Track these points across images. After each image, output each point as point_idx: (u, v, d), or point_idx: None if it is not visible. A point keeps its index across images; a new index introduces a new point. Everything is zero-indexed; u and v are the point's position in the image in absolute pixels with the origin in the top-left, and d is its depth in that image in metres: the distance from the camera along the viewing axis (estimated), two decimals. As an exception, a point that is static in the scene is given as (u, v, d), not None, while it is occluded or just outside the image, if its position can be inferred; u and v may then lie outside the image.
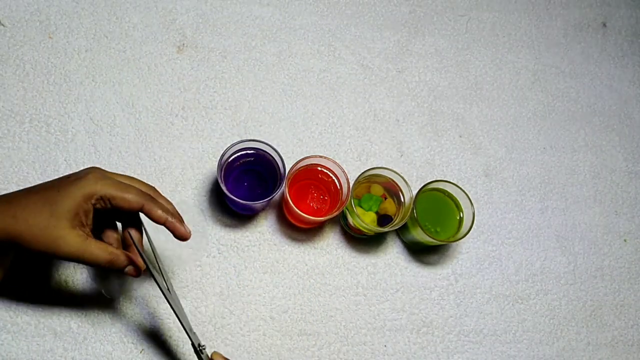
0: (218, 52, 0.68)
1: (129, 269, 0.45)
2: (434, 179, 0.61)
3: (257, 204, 0.55)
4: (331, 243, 0.63)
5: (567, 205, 0.71)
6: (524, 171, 0.71)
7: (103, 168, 0.46)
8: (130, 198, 0.43)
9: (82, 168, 0.58)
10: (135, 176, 0.59)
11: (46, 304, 0.54)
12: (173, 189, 0.61)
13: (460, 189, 0.60)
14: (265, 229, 0.62)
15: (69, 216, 0.41)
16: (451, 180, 0.61)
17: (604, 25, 0.82)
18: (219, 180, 0.54)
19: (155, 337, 0.55)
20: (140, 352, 0.55)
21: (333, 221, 0.64)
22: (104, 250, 0.43)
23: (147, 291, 0.56)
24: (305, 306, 0.60)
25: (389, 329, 0.61)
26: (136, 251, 0.46)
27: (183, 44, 0.67)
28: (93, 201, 0.42)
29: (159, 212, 0.44)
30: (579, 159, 0.74)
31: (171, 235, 0.46)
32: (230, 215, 0.61)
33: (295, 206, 0.54)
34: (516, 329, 0.64)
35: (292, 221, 0.62)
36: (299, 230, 0.62)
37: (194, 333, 0.48)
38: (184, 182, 0.61)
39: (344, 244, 0.63)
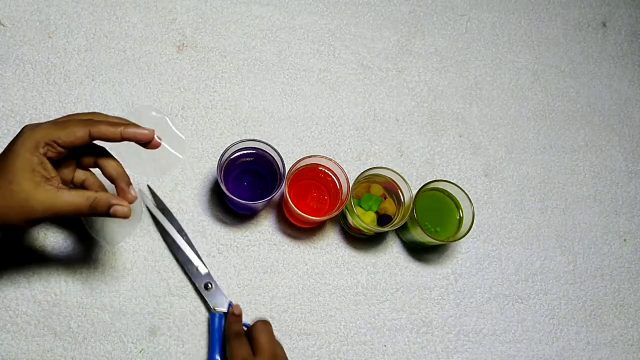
0: (218, 52, 0.68)
1: (115, 209, 0.42)
2: (434, 179, 0.61)
3: (257, 204, 0.55)
4: (331, 243, 0.63)
5: (567, 205, 0.71)
6: (524, 171, 0.71)
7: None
8: (72, 130, 0.40)
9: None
10: (135, 176, 0.60)
11: (46, 303, 0.54)
12: (173, 189, 0.61)
13: (460, 189, 0.60)
14: (265, 228, 0.62)
15: (27, 175, 0.39)
16: (451, 180, 0.61)
17: (604, 25, 0.82)
18: (219, 180, 0.54)
19: (155, 336, 0.55)
20: (140, 352, 0.55)
21: (333, 221, 0.64)
22: (81, 196, 0.41)
23: (147, 290, 0.56)
24: (305, 306, 0.60)
25: (389, 329, 0.61)
26: (123, 189, 0.44)
27: (183, 44, 0.67)
28: (41, 151, 0.40)
29: (110, 129, 0.41)
30: (579, 159, 0.74)
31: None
32: (230, 215, 0.61)
33: (295, 206, 0.54)
34: (516, 329, 0.64)
35: (292, 221, 0.62)
36: (299, 230, 0.62)
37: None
38: (184, 182, 0.61)
39: (344, 244, 0.63)
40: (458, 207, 0.62)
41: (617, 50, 0.81)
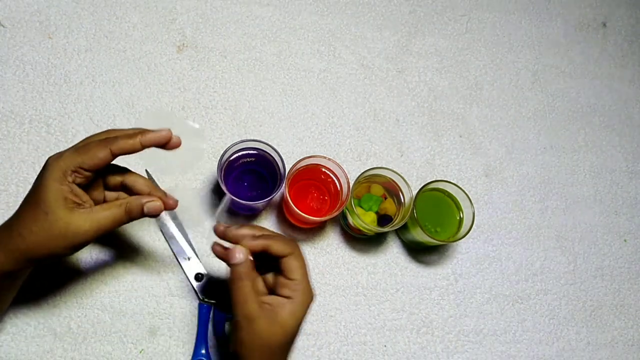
0: (218, 52, 0.68)
1: (147, 206, 0.43)
2: (434, 179, 0.61)
3: (257, 204, 0.55)
4: (331, 243, 0.63)
5: (567, 205, 0.71)
6: (524, 171, 0.71)
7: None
8: (94, 153, 0.41)
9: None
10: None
11: (45, 304, 0.54)
12: (173, 189, 0.60)
13: (460, 189, 0.60)
14: (265, 229, 0.62)
15: (60, 204, 0.41)
16: (451, 180, 0.61)
17: (604, 25, 0.82)
18: (219, 180, 0.54)
19: (155, 336, 0.55)
20: (140, 352, 0.55)
21: (333, 221, 0.64)
22: (114, 205, 0.42)
23: (147, 290, 0.56)
24: (305, 306, 0.60)
25: (389, 329, 0.61)
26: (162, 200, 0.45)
27: (183, 44, 0.67)
28: (69, 179, 0.41)
29: (129, 142, 0.42)
30: (579, 158, 0.74)
31: None
32: (230, 215, 0.61)
33: (295, 206, 0.54)
34: (516, 329, 0.64)
35: (292, 221, 0.62)
36: (299, 230, 0.62)
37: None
38: (184, 182, 0.61)
39: (344, 244, 0.63)
40: (458, 207, 0.62)
41: (617, 50, 0.81)
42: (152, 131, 0.43)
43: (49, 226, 0.40)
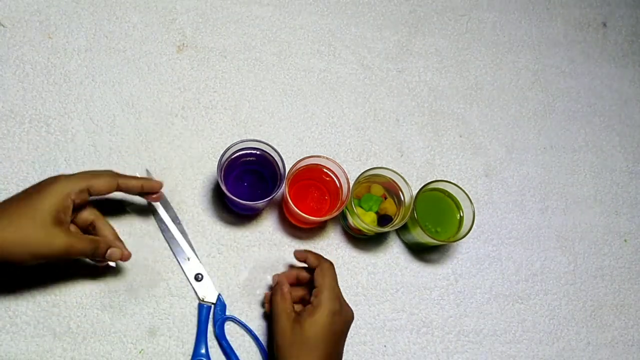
0: (218, 52, 0.68)
1: (110, 251, 0.48)
2: (434, 179, 0.61)
3: (257, 204, 0.54)
4: (331, 243, 0.63)
5: (567, 205, 0.71)
6: (524, 171, 0.71)
7: (102, 168, 0.52)
8: (106, 180, 0.48)
9: (82, 168, 0.59)
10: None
11: (45, 304, 0.54)
12: (173, 189, 0.61)
13: (461, 189, 0.60)
14: (265, 228, 0.62)
15: (52, 215, 0.44)
16: (451, 180, 0.61)
17: (604, 25, 0.82)
18: (219, 180, 0.54)
19: (154, 337, 0.55)
20: (140, 352, 0.55)
21: (333, 221, 0.64)
22: (87, 239, 0.47)
23: (146, 290, 0.56)
24: (305, 306, 0.60)
25: (389, 329, 0.61)
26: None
27: (183, 44, 0.67)
28: (73, 197, 0.46)
29: (133, 181, 0.51)
30: (579, 158, 0.74)
31: None
32: (230, 215, 0.61)
33: (295, 206, 0.54)
34: (516, 329, 0.64)
35: (292, 221, 0.62)
36: (299, 230, 0.62)
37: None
38: (184, 182, 0.61)
39: (344, 244, 0.63)
40: (458, 207, 0.62)
41: (617, 50, 0.81)
42: (152, 179, 0.55)
43: (30, 225, 0.43)
